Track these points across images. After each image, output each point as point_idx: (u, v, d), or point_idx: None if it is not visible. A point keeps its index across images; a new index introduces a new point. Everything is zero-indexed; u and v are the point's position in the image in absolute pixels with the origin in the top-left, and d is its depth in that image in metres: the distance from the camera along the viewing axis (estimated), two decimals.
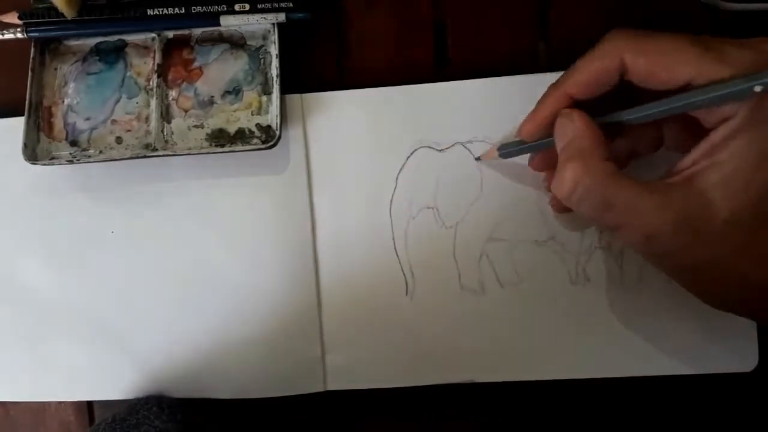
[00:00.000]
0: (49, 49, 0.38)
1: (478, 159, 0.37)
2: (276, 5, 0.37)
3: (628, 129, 0.32)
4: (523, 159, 0.37)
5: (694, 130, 0.29)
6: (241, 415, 0.39)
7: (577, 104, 0.31)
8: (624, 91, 0.30)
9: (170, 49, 0.38)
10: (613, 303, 0.37)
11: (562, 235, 0.37)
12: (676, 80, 0.27)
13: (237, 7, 0.37)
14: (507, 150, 0.35)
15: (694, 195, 0.27)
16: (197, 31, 0.38)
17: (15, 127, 0.37)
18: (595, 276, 0.37)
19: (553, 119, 0.31)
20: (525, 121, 0.33)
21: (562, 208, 0.36)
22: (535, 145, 0.33)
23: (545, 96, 0.32)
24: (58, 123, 0.38)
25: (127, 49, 0.39)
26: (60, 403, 0.40)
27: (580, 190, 0.29)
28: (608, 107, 0.30)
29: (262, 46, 0.38)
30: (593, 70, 0.29)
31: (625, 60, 0.28)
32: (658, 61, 0.27)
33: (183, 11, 0.37)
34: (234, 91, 0.38)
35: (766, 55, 0.26)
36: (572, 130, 0.30)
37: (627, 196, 0.28)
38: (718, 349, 0.36)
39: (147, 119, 0.38)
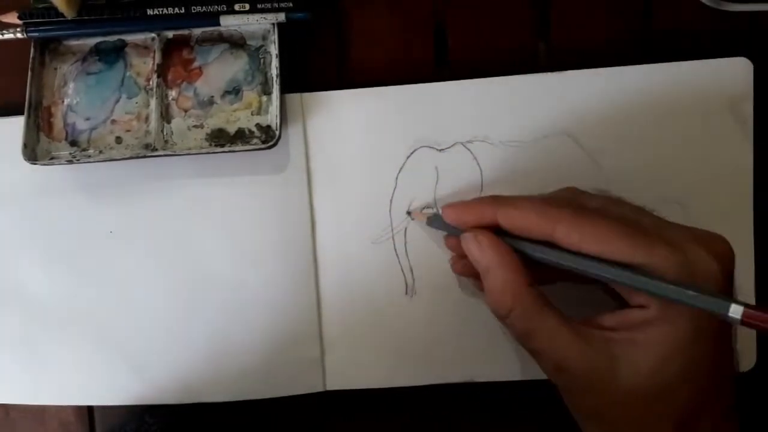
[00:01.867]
0: (48, 49, 0.38)
1: (408, 213, 0.38)
2: (276, 5, 0.37)
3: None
4: None
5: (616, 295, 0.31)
6: (240, 414, 0.39)
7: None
8: None
9: (170, 49, 0.38)
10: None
11: None
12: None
13: (237, 7, 0.37)
14: (434, 222, 0.36)
15: (608, 357, 0.28)
16: (197, 31, 0.38)
17: (15, 126, 0.37)
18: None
19: (473, 223, 0.32)
20: (452, 205, 0.34)
21: (463, 272, 0.36)
22: (453, 231, 0.34)
23: (479, 202, 0.33)
24: (57, 123, 0.38)
25: (127, 49, 0.39)
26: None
27: (512, 318, 0.30)
28: None
29: (262, 46, 0.38)
30: (528, 222, 0.30)
31: (557, 232, 0.29)
32: (589, 245, 0.29)
33: (183, 11, 0.37)
34: (234, 91, 0.38)
35: (692, 261, 0.28)
36: (485, 259, 0.31)
37: (549, 330, 0.29)
38: None
39: (147, 119, 0.38)
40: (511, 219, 0.31)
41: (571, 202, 0.32)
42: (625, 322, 0.29)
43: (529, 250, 0.31)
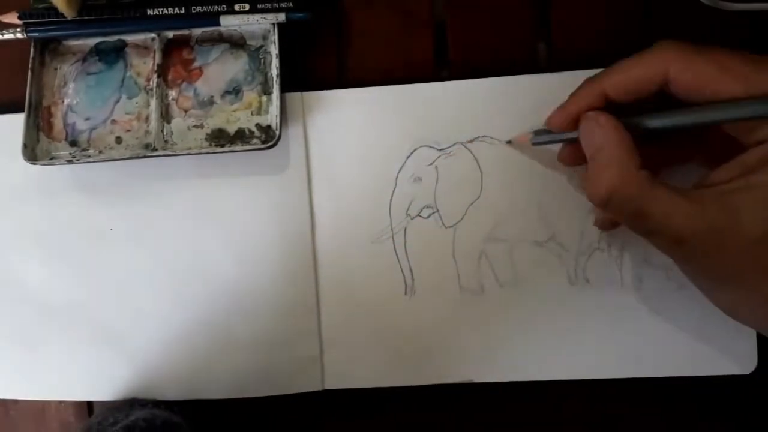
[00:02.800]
0: (49, 49, 0.38)
1: (508, 142, 0.37)
2: (276, 5, 0.37)
3: (662, 135, 0.31)
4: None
5: (728, 145, 0.29)
6: (239, 412, 0.39)
7: (608, 103, 0.31)
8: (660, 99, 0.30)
9: (170, 49, 0.38)
10: (612, 304, 0.37)
11: (562, 236, 0.37)
12: (720, 98, 0.27)
13: (237, 7, 0.37)
14: (539, 138, 0.34)
15: (727, 211, 0.27)
16: (197, 31, 0.38)
17: (14, 124, 0.37)
18: (595, 277, 0.37)
19: (583, 112, 0.31)
20: (554, 111, 0.33)
21: (608, 227, 0.36)
22: (566, 137, 0.33)
23: (580, 89, 0.32)
24: (57, 123, 0.38)
25: (127, 49, 0.39)
26: (60, 403, 0.40)
27: (615, 200, 0.29)
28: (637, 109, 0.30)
29: (262, 46, 0.38)
30: (636, 75, 0.29)
31: (671, 73, 0.28)
32: (704, 78, 0.27)
33: (183, 11, 0.37)
34: (234, 91, 0.38)
35: None
36: (601, 137, 0.30)
37: (662, 205, 0.28)
38: (716, 351, 0.36)
39: (147, 119, 0.38)
40: (617, 85, 0.29)
41: (672, 42, 0.29)
42: (740, 168, 0.27)
43: (645, 122, 0.29)
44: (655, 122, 0.29)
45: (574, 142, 0.32)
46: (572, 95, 0.32)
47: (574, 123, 0.32)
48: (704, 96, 0.28)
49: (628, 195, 0.28)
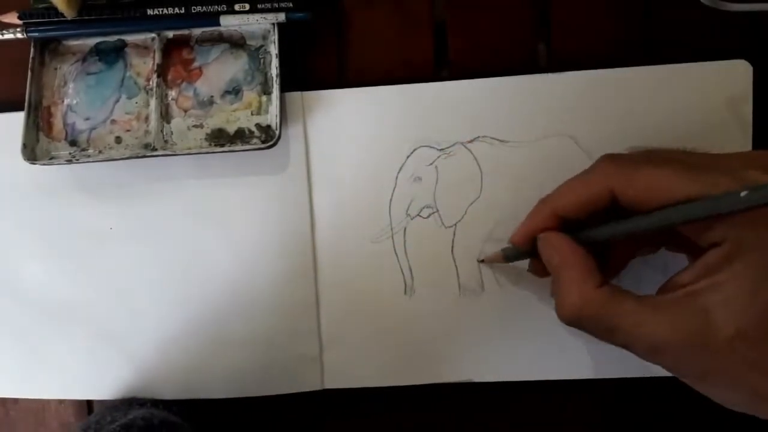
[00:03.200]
0: (48, 49, 0.38)
1: (481, 261, 0.37)
2: (276, 5, 0.37)
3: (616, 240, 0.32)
4: None
5: (689, 245, 0.29)
6: (238, 411, 0.39)
7: (563, 221, 0.31)
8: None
9: (170, 49, 0.38)
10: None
11: None
12: (663, 205, 0.28)
13: (237, 7, 0.37)
14: (509, 254, 0.35)
15: (698, 313, 0.27)
16: (197, 31, 0.38)
17: (14, 123, 0.37)
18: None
19: (539, 232, 0.32)
20: (515, 232, 0.33)
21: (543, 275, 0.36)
22: (532, 254, 0.34)
23: (533, 211, 0.32)
24: (57, 123, 0.38)
25: (127, 49, 0.39)
26: (60, 403, 0.40)
27: (582, 321, 0.29)
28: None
29: (261, 46, 0.38)
30: (583, 196, 0.30)
31: (615, 190, 0.29)
32: (646, 193, 0.28)
33: (183, 11, 0.37)
34: (234, 91, 0.38)
35: (755, 183, 0.26)
36: (556, 258, 0.30)
37: (629, 319, 0.28)
38: None
39: (146, 119, 0.38)
40: (566, 206, 0.30)
41: (611, 160, 0.31)
42: (703, 270, 0.27)
43: (596, 235, 0.30)
44: (608, 232, 0.30)
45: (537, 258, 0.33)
46: (527, 216, 0.33)
47: (532, 242, 0.32)
48: (651, 206, 0.28)
49: (592, 316, 0.29)
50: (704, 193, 0.26)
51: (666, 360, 0.29)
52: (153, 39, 0.38)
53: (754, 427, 0.37)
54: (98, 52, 0.39)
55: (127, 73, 0.38)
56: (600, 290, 0.29)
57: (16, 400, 0.40)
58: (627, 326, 0.28)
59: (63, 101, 0.38)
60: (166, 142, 0.37)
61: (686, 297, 0.27)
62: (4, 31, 0.37)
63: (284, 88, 0.37)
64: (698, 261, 0.28)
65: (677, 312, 0.27)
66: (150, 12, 0.37)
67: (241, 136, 0.37)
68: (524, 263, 0.36)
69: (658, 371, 0.37)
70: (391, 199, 0.38)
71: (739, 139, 0.36)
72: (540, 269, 0.34)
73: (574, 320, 0.30)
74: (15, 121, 0.37)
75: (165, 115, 0.38)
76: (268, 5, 0.37)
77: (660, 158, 0.29)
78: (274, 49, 0.37)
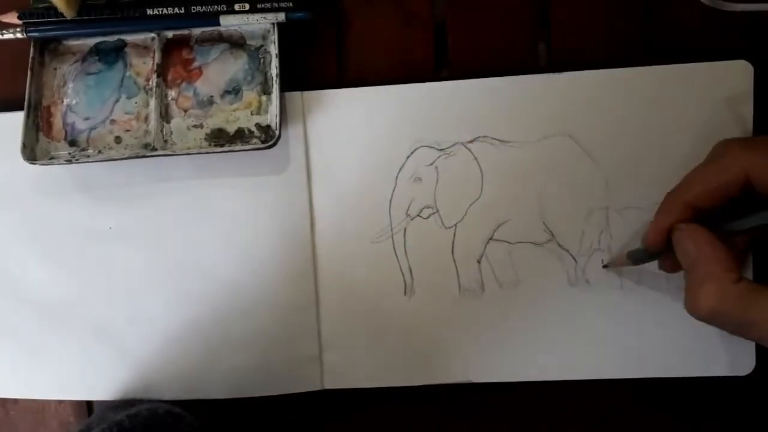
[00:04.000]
0: (48, 49, 0.38)
1: (605, 266, 0.37)
2: (276, 5, 0.37)
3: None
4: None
5: None
6: (238, 411, 0.39)
7: (695, 211, 0.31)
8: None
9: (170, 48, 0.38)
10: (611, 305, 0.37)
11: (562, 237, 0.37)
12: None
13: (237, 7, 0.37)
14: (636, 257, 0.35)
15: None
16: (197, 31, 0.38)
17: (13, 122, 0.37)
18: (594, 278, 0.37)
19: (672, 227, 0.31)
20: (647, 232, 0.33)
21: (673, 270, 0.35)
22: (662, 253, 0.33)
23: (664, 206, 0.32)
24: (57, 123, 0.38)
25: (127, 49, 0.39)
26: (60, 403, 0.40)
27: (717, 316, 0.29)
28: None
29: (261, 45, 0.38)
30: (717, 184, 0.30)
31: (752, 176, 0.28)
32: None
33: (183, 11, 0.37)
34: (233, 91, 0.38)
35: None
36: (694, 251, 0.30)
37: (766, 314, 0.28)
38: (714, 352, 0.36)
39: (146, 119, 0.38)
40: (701, 195, 0.30)
41: (738, 143, 0.30)
42: None
43: (737, 226, 0.30)
44: (747, 224, 0.30)
45: (672, 254, 0.32)
46: (658, 212, 0.33)
47: (667, 238, 0.32)
48: None
49: (728, 311, 0.29)
50: None
51: None
52: (153, 39, 0.38)
53: (752, 428, 0.38)
54: (98, 52, 0.39)
55: (127, 73, 0.38)
56: (738, 286, 0.28)
57: (16, 401, 0.40)
58: (763, 323, 0.28)
59: (63, 101, 0.38)
60: (165, 142, 0.37)
61: None
62: (4, 31, 0.37)
63: (284, 88, 0.37)
64: None
65: None
66: (150, 12, 0.37)
67: (240, 136, 0.37)
68: None
69: (657, 372, 0.37)
70: (391, 200, 0.38)
71: None
72: (670, 265, 0.34)
73: (709, 316, 0.29)
74: (14, 121, 0.37)
75: (165, 115, 0.38)
76: (268, 5, 0.37)
77: None
78: (274, 49, 0.37)
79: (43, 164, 0.37)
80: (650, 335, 0.37)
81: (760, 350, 0.36)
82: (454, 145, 0.38)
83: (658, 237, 0.32)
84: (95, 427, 0.34)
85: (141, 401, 0.38)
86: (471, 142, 0.38)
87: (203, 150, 0.37)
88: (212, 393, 0.38)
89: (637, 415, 0.38)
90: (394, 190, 0.38)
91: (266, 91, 0.37)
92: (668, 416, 0.38)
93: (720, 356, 0.36)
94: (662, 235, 0.32)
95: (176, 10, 0.37)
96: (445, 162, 0.38)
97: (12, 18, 0.37)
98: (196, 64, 0.38)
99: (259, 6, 0.37)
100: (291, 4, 0.37)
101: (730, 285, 0.29)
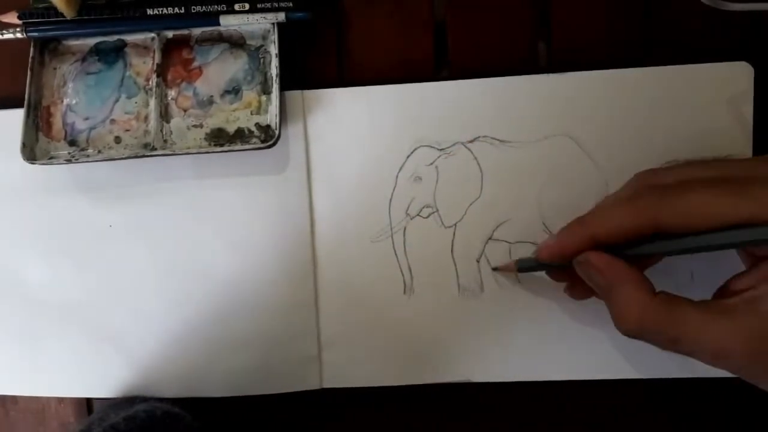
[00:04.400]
0: (48, 48, 0.38)
1: (495, 269, 0.37)
2: (276, 5, 0.37)
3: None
4: None
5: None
6: (237, 410, 0.39)
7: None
8: None
9: (170, 48, 0.38)
10: None
11: None
12: (711, 228, 0.28)
13: (237, 7, 0.37)
14: (525, 266, 0.35)
15: (760, 318, 0.27)
16: (197, 31, 0.38)
17: (13, 120, 0.37)
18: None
19: (573, 253, 0.31)
20: (544, 247, 0.33)
21: (580, 297, 0.36)
22: (555, 266, 0.34)
23: (568, 232, 0.32)
24: (57, 122, 0.38)
25: (127, 49, 0.39)
26: (60, 403, 0.40)
27: (646, 332, 0.29)
28: None
29: (261, 45, 0.38)
30: (626, 225, 0.29)
31: (660, 220, 0.28)
32: (694, 220, 0.28)
33: (183, 11, 0.37)
34: (233, 91, 0.38)
35: None
36: (603, 279, 0.30)
37: (691, 327, 0.28)
38: None
39: (146, 119, 0.38)
40: (608, 233, 0.30)
41: (652, 188, 0.30)
42: (761, 275, 0.28)
43: (637, 251, 0.30)
44: (653, 249, 0.30)
45: (568, 271, 0.32)
46: (560, 234, 0.32)
47: (565, 259, 0.32)
48: (699, 229, 0.28)
49: (654, 327, 0.29)
50: (755, 213, 0.27)
51: (732, 365, 0.29)
52: (153, 39, 0.38)
53: (751, 430, 0.38)
54: (98, 51, 0.39)
55: (127, 73, 0.38)
56: (656, 300, 0.29)
57: (16, 400, 0.40)
58: (690, 335, 0.28)
59: (62, 101, 0.38)
60: (165, 141, 0.37)
61: (747, 302, 0.28)
62: (4, 31, 0.37)
63: (284, 88, 0.37)
64: (758, 268, 0.29)
65: (739, 317, 0.28)
66: (150, 12, 0.37)
67: (240, 135, 0.37)
68: None
69: (656, 373, 0.37)
70: (391, 199, 0.38)
71: (740, 141, 0.36)
72: (578, 292, 0.35)
73: (636, 333, 0.29)
74: (14, 119, 0.37)
75: (164, 115, 0.38)
76: (268, 5, 0.37)
77: (698, 179, 0.29)
78: (273, 49, 0.37)
79: (43, 164, 0.37)
80: None
81: None
82: (454, 144, 0.38)
83: (552, 258, 0.33)
84: (96, 427, 0.34)
85: (141, 400, 0.38)
86: (471, 141, 0.38)
87: (203, 150, 0.37)
88: (212, 392, 0.38)
89: (637, 416, 0.38)
90: (394, 190, 0.38)
91: (266, 90, 0.37)
92: (667, 417, 0.38)
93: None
94: (558, 257, 0.32)
95: (176, 10, 0.37)
96: (445, 162, 0.38)
97: (12, 18, 0.37)
98: (196, 64, 0.38)
99: (259, 6, 0.37)
100: (291, 4, 0.37)
101: (649, 301, 0.29)
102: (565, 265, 0.32)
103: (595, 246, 0.31)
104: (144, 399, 0.38)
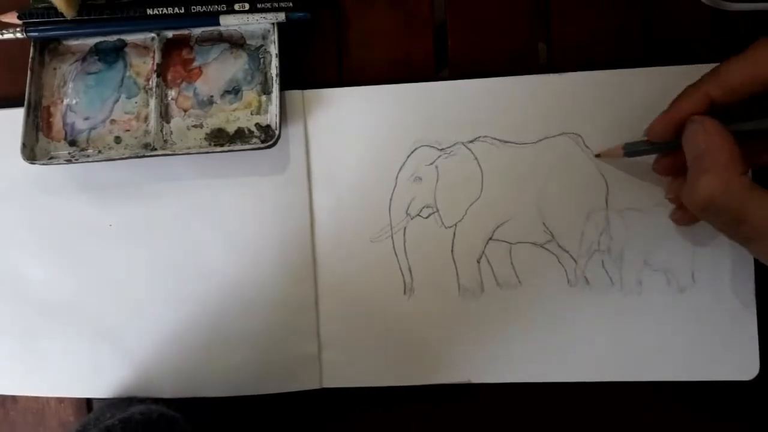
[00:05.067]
0: (48, 48, 0.38)
1: (597, 156, 0.36)
2: (276, 5, 0.37)
3: (755, 137, 0.31)
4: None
5: None
6: (236, 409, 0.39)
7: (712, 107, 0.30)
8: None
9: (170, 48, 0.38)
10: (611, 307, 0.37)
11: (562, 237, 0.37)
12: None
13: (237, 7, 0.37)
14: (633, 149, 0.34)
15: None
16: (197, 31, 0.38)
17: (13, 119, 0.37)
18: (594, 279, 0.37)
19: (686, 119, 0.31)
20: (656, 120, 0.32)
21: (686, 221, 0.35)
22: (664, 146, 0.33)
23: (681, 96, 0.31)
24: (57, 123, 0.38)
25: (127, 49, 0.39)
26: (60, 403, 0.40)
27: (715, 205, 0.29)
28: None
29: (261, 45, 0.38)
30: (742, 77, 0.29)
31: None
32: None
33: (183, 11, 0.37)
34: (233, 91, 0.38)
35: None
36: (705, 141, 0.29)
37: (762, 213, 0.28)
38: (718, 356, 0.36)
39: (146, 119, 0.38)
40: (724, 88, 0.29)
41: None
42: None
43: (751, 126, 0.29)
44: (762, 125, 0.29)
45: (673, 151, 0.32)
46: (674, 101, 0.32)
47: (677, 130, 0.31)
48: None
49: (728, 201, 0.28)
50: None
51: None
52: (153, 39, 0.38)
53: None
54: (98, 51, 0.39)
55: (127, 73, 0.38)
56: (742, 178, 0.28)
57: (15, 400, 0.40)
58: (758, 220, 0.28)
59: (62, 101, 0.38)
60: (165, 141, 0.37)
61: None
62: (4, 31, 0.37)
63: (284, 87, 0.37)
64: None
65: None
66: (150, 12, 0.37)
67: (240, 135, 0.37)
68: None
69: (656, 377, 0.37)
70: (391, 199, 0.38)
71: None
72: (668, 166, 0.34)
73: (705, 205, 0.29)
74: (14, 119, 0.37)
75: (164, 115, 0.38)
76: (268, 5, 0.37)
77: None
78: (274, 49, 0.37)
79: (43, 164, 0.37)
80: (651, 338, 0.37)
81: (764, 355, 0.36)
82: (454, 144, 0.38)
83: (667, 127, 0.32)
84: (92, 428, 0.34)
85: (138, 400, 0.38)
86: (471, 141, 0.38)
87: (203, 150, 0.37)
88: (212, 391, 0.38)
89: (638, 419, 0.38)
90: (394, 190, 0.38)
91: (266, 90, 0.37)
92: (670, 420, 0.38)
93: (724, 360, 0.36)
94: (672, 125, 0.31)
95: (176, 10, 0.37)
96: (445, 162, 0.38)
97: (12, 18, 0.37)
98: (196, 64, 0.38)
99: (259, 6, 0.37)
100: (291, 4, 0.37)
101: (735, 176, 0.28)
102: (676, 143, 0.31)
103: (708, 110, 0.30)
104: (141, 399, 0.38)
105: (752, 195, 0.28)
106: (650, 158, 0.35)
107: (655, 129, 0.33)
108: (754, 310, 0.36)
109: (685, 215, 0.35)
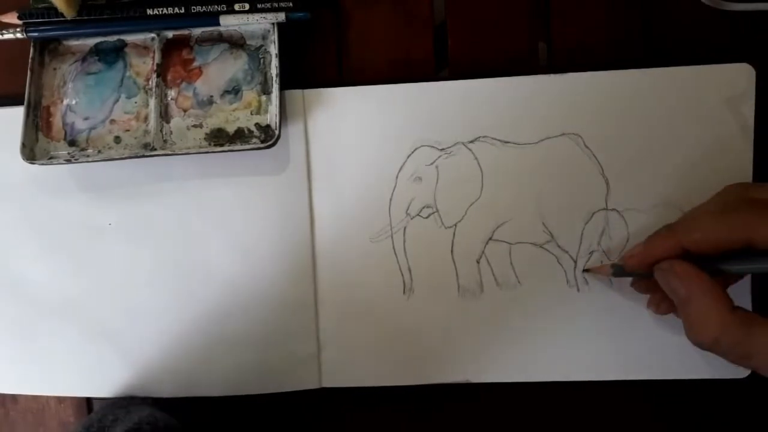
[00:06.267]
0: (48, 49, 0.38)
1: (586, 271, 0.37)
2: (276, 5, 0.37)
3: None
4: None
5: None
6: (236, 409, 0.39)
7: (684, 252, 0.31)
8: None
9: (170, 48, 0.38)
10: (609, 307, 0.37)
11: (561, 238, 0.37)
12: None
13: (237, 7, 0.37)
14: (620, 271, 0.35)
15: None
16: (197, 31, 0.38)
17: (12, 118, 0.37)
18: (593, 280, 0.37)
19: (659, 261, 0.31)
20: (630, 255, 0.33)
21: (663, 312, 0.36)
22: (639, 275, 0.34)
23: (656, 238, 0.32)
24: (56, 122, 0.38)
25: (127, 49, 0.39)
26: (60, 403, 0.40)
27: (719, 347, 0.29)
28: None
29: (261, 45, 0.38)
30: (718, 236, 0.29)
31: (756, 236, 0.28)
32: None
33: (183, 11, 0.37)
34: (233, 91, 0.38)
35: None
36: (684, 287, 0.30)
37: (765, 347, 0.28)
38: (712, 355, 0.36)
39: (146, 119, 0.38)
40: (699, 242, 0.30)
41: (750, 201, 0.30)
42: None
43: (724, 266, 0.30)
44: (738, 268, 0.30)
45: (654, 283, 0.33)
46: (648, 241, 0.33)
47: (650, 267, 0.32)
48: None
49: (730, 342, 0.29)
50: None
51: None
52: (153, 39, 0.38)
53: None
54: (98, 52, 0.39)
55: (127, 73, 0.38)
56: (734, 316, 0.29)
57: (15, 400, 0.40)
58: (762, 354, 0.28)
59: (62, 101, 0.38)
60: (165, 141, 0.37)
61: None
62: (4, 31, 0.37)
63: (284, 87, 0.37)
64: None
65: None
66: (150, 12, 0.37)
67: (240, 135, 0.37)
68: None
69: (654, 374, 0.37)
70: (391, 199, 0.38)
71: (740, 142, 0.36)
72: (641, 287, 0.35)
73: (709, 346, 0.30)
74: (13, 118, 0.37)
75: (164, 115, 0.38)
76: (268, 5, 0.37)
77: None
78: (273, 49, 0.37)
79: (43, 164, 0.37)
80: (647, 337, 0.37)
81: None
82: (454, 144, 0.38)
83: (640, 265, 0.33)
84: (94, 430, 0.34)
85: (140, 400, 0.38)
86: (471, 142, 0.38)
87: (203, 150, 0.37)
88: (211, 391, 0.39)
89: (634, 417, 0.38)
90: (394, 190, 0.38)
91: (266, 91, 0.37)
92: (665, 419, 0.38)
93: (717, 359, 0.36)
94: (645, 265, 0.32)
95: (176, 10, 0.37)
96: (445, 162, 0.38)
97: (12, 18, 0.37)
98: (195, 64, 0.38)
99: (259, 6, 0.37)
100: (291, 4, 0.37)
101: (728, 315, 0.29)
102: (650, 274, 0.32)
103: (681, 256, 0.31)
104: (141, 399, 0.38)
105: (752, 331, 0.28)
106: (649, 166, 0.36)
107: (629, 265, 0.33)
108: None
109: (660, 308, 0.35)
